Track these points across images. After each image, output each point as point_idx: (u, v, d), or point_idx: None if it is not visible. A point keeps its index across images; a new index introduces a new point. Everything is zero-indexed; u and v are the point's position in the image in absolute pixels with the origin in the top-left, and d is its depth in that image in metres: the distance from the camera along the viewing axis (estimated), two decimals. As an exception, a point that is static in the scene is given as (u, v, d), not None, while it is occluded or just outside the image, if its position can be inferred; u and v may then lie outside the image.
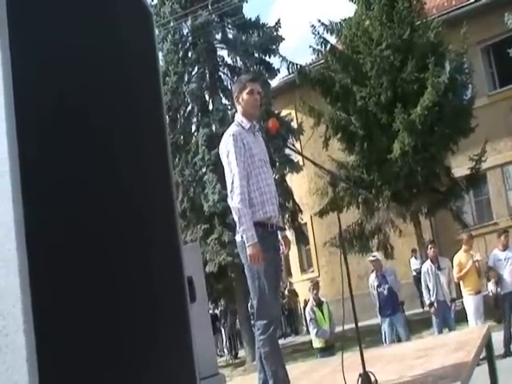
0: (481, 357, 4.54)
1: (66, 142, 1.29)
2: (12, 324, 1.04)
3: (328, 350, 8.71)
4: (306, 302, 20.33)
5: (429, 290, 9.08)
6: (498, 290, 9.04)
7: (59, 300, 1.16)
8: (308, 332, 19.51)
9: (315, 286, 9.23)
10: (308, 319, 9.12)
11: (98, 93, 1.54)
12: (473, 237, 9.19)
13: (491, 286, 9.23)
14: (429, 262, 9.31)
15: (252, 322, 16.33)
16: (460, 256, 9.01)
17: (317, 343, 9.03)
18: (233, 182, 3.63)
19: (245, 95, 3.82)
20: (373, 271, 9.70)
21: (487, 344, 4.71)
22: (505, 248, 8.88)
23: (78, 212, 1.29)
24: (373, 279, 9.49)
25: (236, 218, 3.58)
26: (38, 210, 1.09)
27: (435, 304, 8.98)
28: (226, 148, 3.68)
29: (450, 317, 8.97)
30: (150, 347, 1.67)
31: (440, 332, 8.96)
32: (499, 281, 8.92)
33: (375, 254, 10.29)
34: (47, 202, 1.13)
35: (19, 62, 1.14)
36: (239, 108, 3.86)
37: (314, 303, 9.03)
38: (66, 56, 1.37)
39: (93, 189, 1.40)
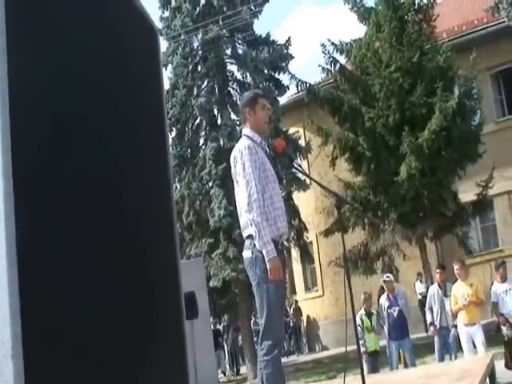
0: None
1: (64, 155, 1.27)
2: (0, 348, 1.01)
3: (377, 355, 9.25)
4: (308, 320, 20.25)
5: (432, 312, 9.06)
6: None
7: (50, 323, 1.12)
8: (310, 351, 19.43)
9: (368, 297, 9.58)
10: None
11: (98, 105, 1.52)
12: (465, 265, 8.93)
13: (506, 331, 8.89)
14: (436, 285, 9.26)
15: (255, 338, 16.17)
16: (456, 287, 8.77)
17: (371, 347, 9.21)
18: (250, 195, 3.55)
19: (257, 110, 3.81)
20: (382, 292, 9.72)
21: (490, 374, 4.62)
22: (503, 280, 8.73)
23: (74, 231, 1.26)
24: (384, 300, 9.45)
25: (254, 231, 3.51)
26: (30, 240, 1.07)
27: (437, 326, 8.96)
28: (242, 160, 3.62)
29: (451, 342, 8.89)
30: (144, 366, 1.64)
31: (441, 356, 8.96)
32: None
33: (389, 275, 10.26)
34: (40, 226, 1.10)
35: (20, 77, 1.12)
36: (249, 122, 3.83)
37: (364, 312, 9.38)
38: (67, 67, 1.35)
39: (90, 205, 1.37)
